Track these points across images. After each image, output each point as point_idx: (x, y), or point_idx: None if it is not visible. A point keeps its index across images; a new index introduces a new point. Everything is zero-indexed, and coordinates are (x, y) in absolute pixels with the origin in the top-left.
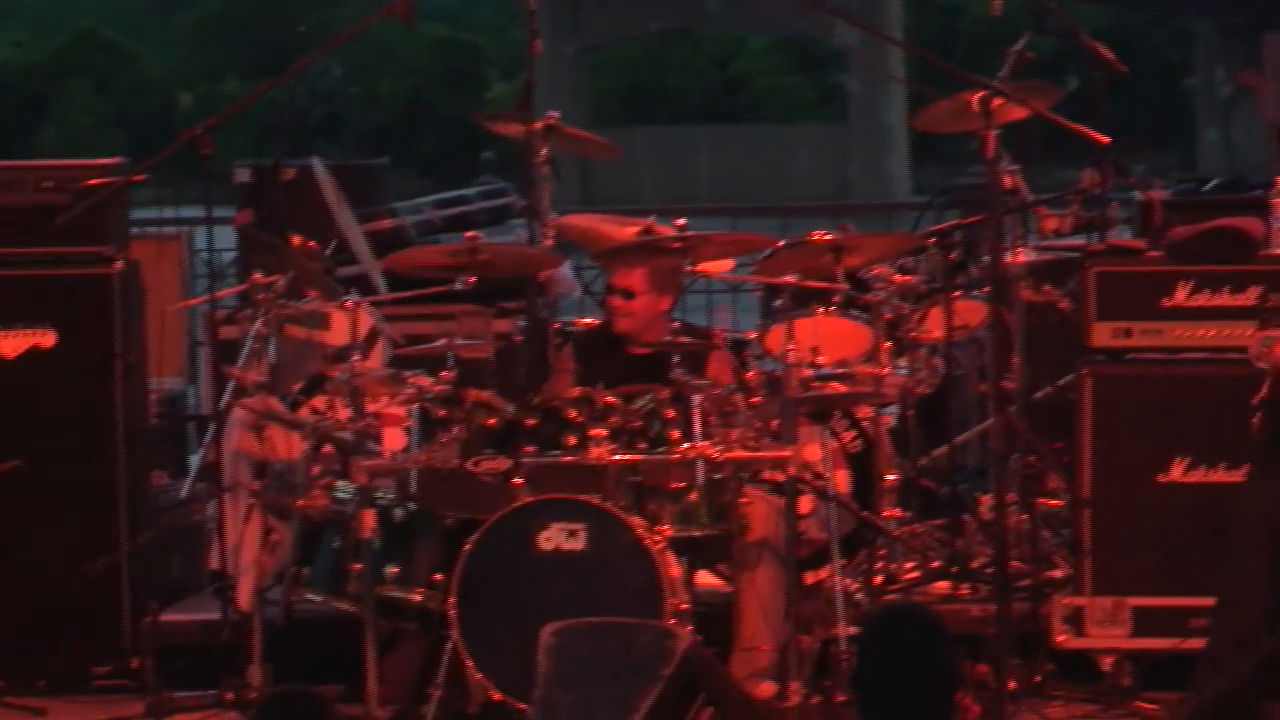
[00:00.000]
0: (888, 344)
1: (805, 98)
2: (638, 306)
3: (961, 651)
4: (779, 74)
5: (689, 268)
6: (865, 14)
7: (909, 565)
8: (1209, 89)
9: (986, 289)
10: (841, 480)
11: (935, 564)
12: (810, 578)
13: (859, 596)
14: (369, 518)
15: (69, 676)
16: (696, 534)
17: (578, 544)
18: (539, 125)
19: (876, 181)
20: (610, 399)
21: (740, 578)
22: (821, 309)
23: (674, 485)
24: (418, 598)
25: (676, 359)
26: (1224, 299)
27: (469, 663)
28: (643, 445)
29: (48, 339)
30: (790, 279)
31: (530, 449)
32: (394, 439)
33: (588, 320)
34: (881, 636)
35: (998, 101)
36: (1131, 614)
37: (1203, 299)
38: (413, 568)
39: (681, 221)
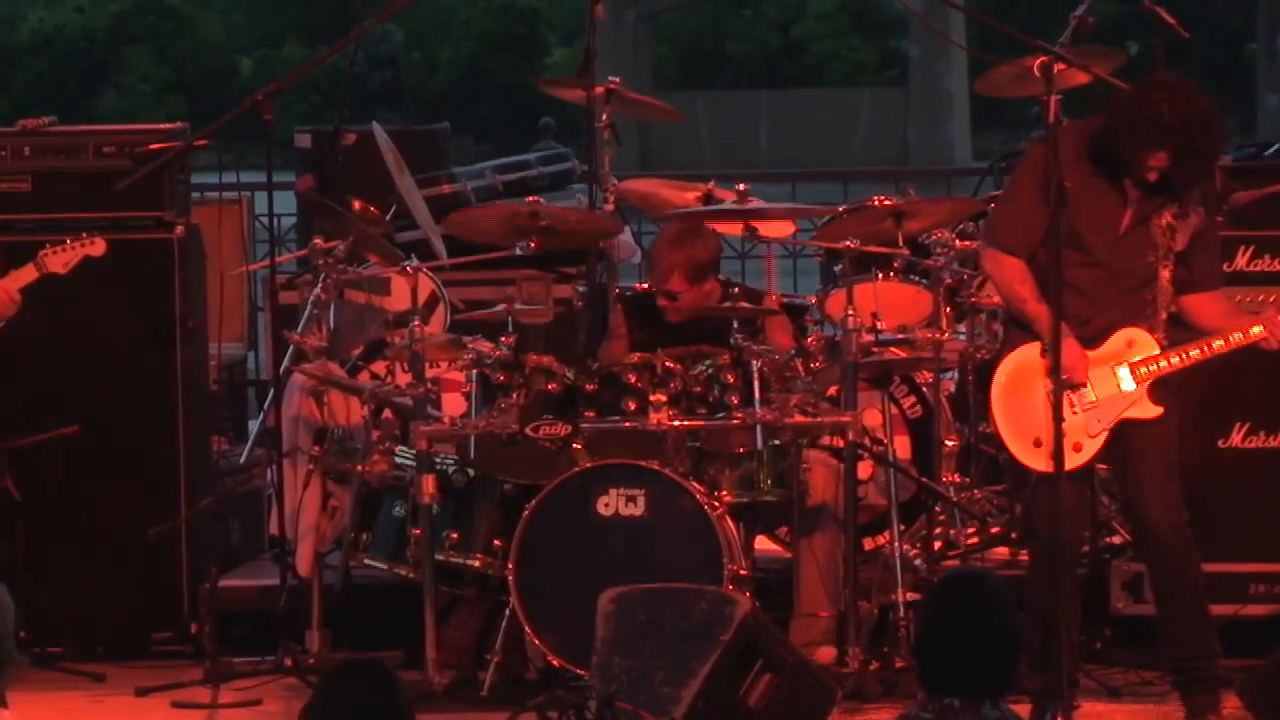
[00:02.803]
0: (948, 309)
1: (866, 62)
2: (683, 304)
3: (1021, 617)
4: (839, 38)
5: (748, 232)
6: None
7: (969, 531)
8: (1270, 54)
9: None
10: (901, 446)
11: (995, 529)
12: (869, 543)
13: (918, 562)
14: (429, 483)
15: (128, 642)
16: (756, 499)
17: (637, 509)
18: (600, 90)
19: (937, 147)
20: (670, 364)
21: (800, 543)
22: (882, 274)
23: (734, 450)
24: (477, 563)
25: (736, 323)
26: None
27: (528, 628)
28: (703, 410)
29: (98, 247)
30: (851, 244)
31: (590, 414)
32: (454, 404)
33: (645, 285)
34: (946, 602)
35: (1059, 66)
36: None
37: (1263, 264)
38: (472, 533)
39: (742, 186)
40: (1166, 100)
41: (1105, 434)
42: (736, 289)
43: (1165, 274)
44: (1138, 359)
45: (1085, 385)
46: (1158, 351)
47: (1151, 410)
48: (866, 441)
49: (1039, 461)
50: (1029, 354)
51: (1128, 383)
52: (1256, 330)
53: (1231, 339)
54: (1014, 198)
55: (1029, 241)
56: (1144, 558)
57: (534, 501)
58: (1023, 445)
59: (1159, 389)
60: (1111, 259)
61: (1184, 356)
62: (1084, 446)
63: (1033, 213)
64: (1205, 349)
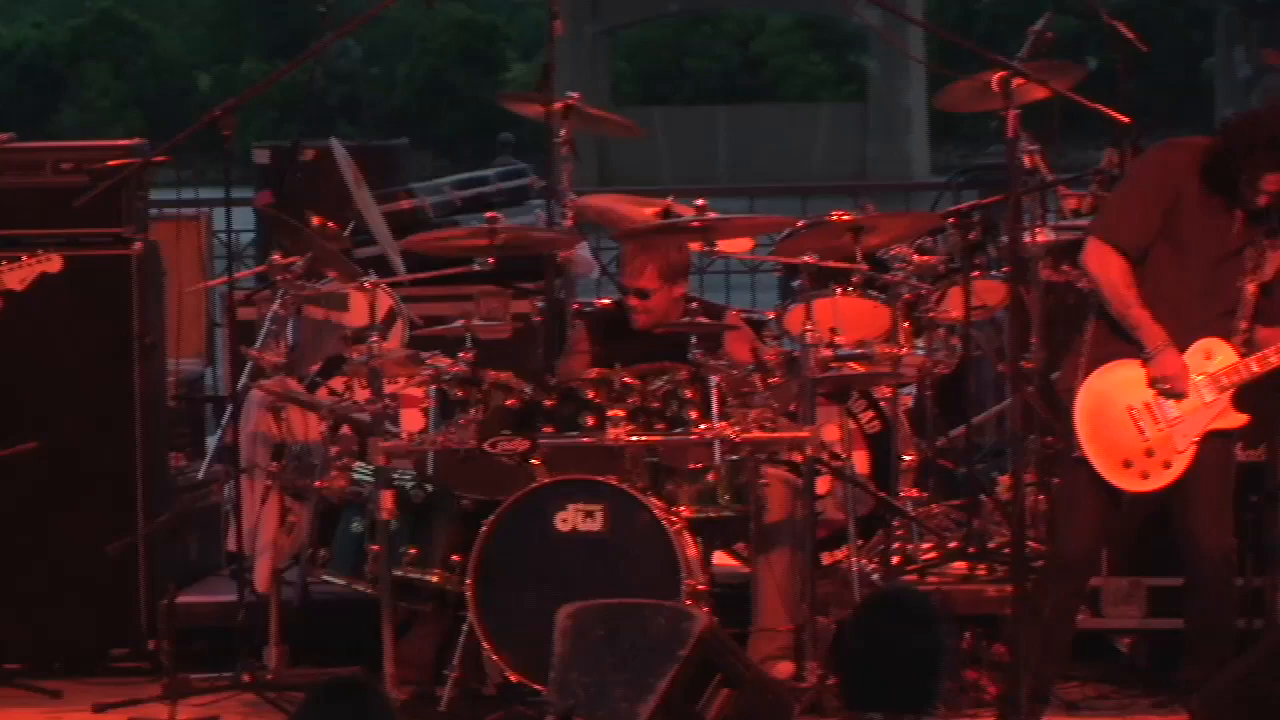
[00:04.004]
0: (907, 324)
1: (825, 77)
2: (654, 304)
3: (978, 631)
4: (799, 54)
5: (707, 247)
6: None
7: (927, 546)
8: (1228, 70)
9: (1006, 269)
10: (860, 461)
11: (953, 544)
12: (828, 558)
13: (876, 577)
14: (387, 499)
15: (86, 658)
16: (714, 514)
17: (595, 525)
18: (559, 106)
19: (895, 161)
20: (629, 379)
21: (758, 558)
22: (841, 289)
23: (692, 465)
24: (435, 579)
25: (694, 339)
26: None
27: (486, 644)
28: (661, 425)
29: (55, 263)
30: (809, 259)
31: (549, 429)
32: (412, 420)
33: (605, 300)
34: (869, 618)
35: (1018, 81)
36: (1147, 593)
37: None
38: (430, 549)
39: (702, 201)
40: None
41: (1194, 448)
42: (695, 304)
43: (1250, 295)
44: (1216, 369)
45: (1185, 395)
46: (1237, 359)
47: (1237, 419)
48: (825, 457)
49: (1131, 483)
50: (1112, 373)
51: (1209, 393)
52: None
53: None
54: (1132, 195)
55: (1141, 244)
56: (1188, 574)
57: (492, 517)
58: (1112, 467)
59: (1242, 399)
60: (1210, 279)
61: (1264, 362)
62: (1173, 463)
63: (1150, 214)
64: (1260, 358)
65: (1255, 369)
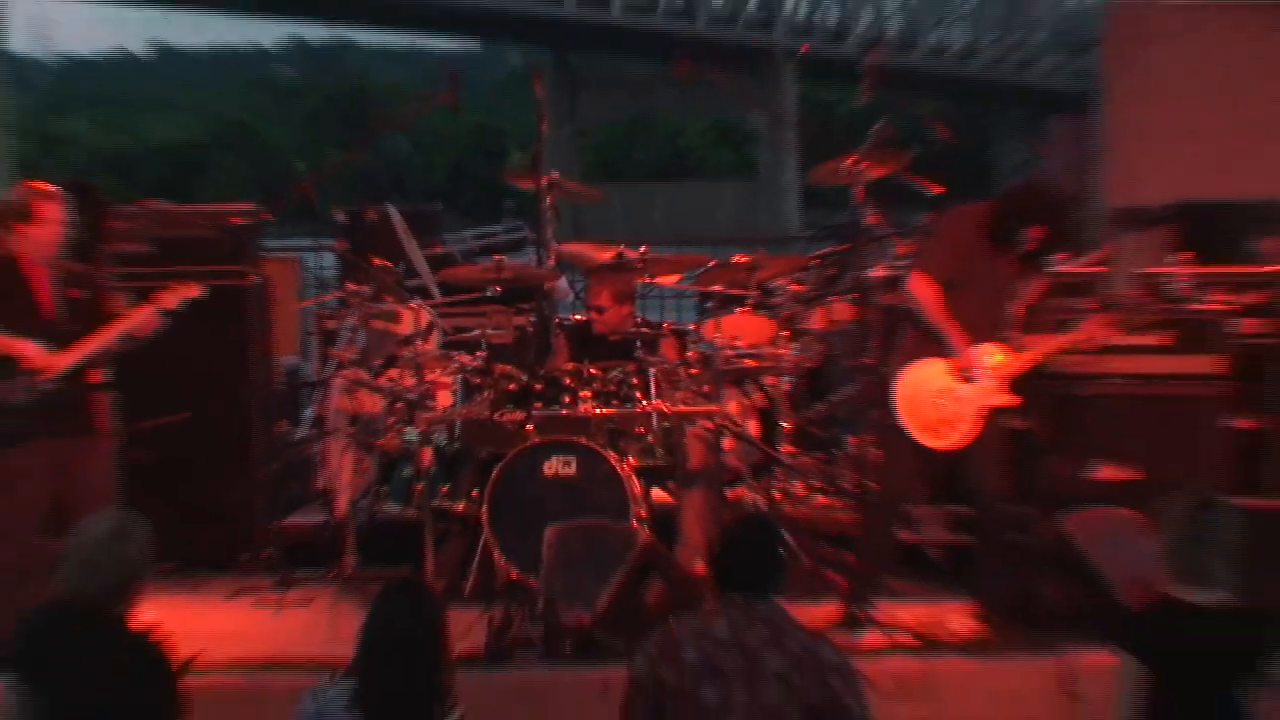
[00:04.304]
0: (785, 332)
1: (728, 163)
2: (609, 318)
3: (835, 545)
4: (710, 147)
5: (648, 279)
6: (770, 103)
7: (799, 486)
8: (1008, 155)
9: (854, 295)
10: (753, 427)
11: (817, 485)
12: (730, 494)
13: (763, 507)
14: (427, 453)
15: (220, 562)
16: (652, 464)
17: (571, 470)
18: (545, 181)
19: (776, 221)
20: (594, 370)
21: (682, 494)
22: (740, 309)
23: (638, 430)
24: (461, 508)
25: (639, 343)
26: None
27: (496, 552)
28: (616, 403)
29: (195, 290)
30: (718, 288)
31: (538, 405)
32: (445, 398)
33: (578, 316)
34: (733, 531)
35: (864, 164)
36: (949, 518)
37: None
38: (457, 487)
39: (644, 248)
40: (1044, 191)
41: (974, 422)
42: (639, 319)
43: (1019, 314)
44: (994, 364)
45: (975, 382)
46: (1008, 358)
47: (1009, 399)
48: (729, 424)
49: (934, 442)
50: (922, 367)
51: (989, 381)
52: (1073, 337)
53: (1056, 344)
54: (940, 242)
55: (946, 277)
56: (975, 506)
57: (500, 465)
58: (921, 432)
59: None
60: (991, 301)
61: (1027, 360)
62: (963, 429)
63: (951, 256)
64: (1040, 355)
65: (1018, 365)
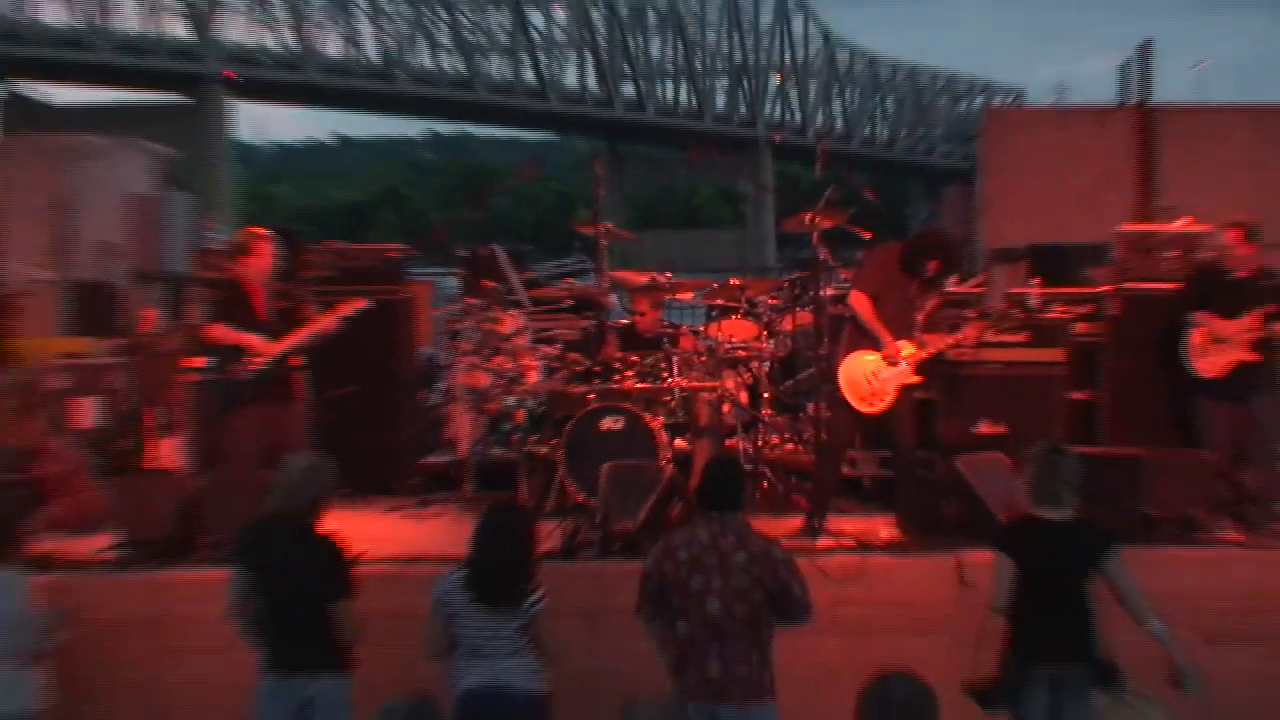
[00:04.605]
0: (765, 332)
1: (726, 216)
2: (645, 321)
3: (800, 478)
4: (714, 206)
5: (670, 295)
6: (754, 176)
7: (775, 438)
8: (916, 212)
9: (812, 306)
10: (743, 396)
11: (788, 438)
12: (730, 444)
13: (751, 453)
14: (521, 414)
15: (381, 488)
16: (674, 422)
17: (619, 426)
18: (601, 228)
19: (759, 256)
20: (634, 358)
21: (694, 443)
22: (734, 315)
23: (664, 399)
24: (544, 452)
25: (665, 339)
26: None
27: (568, 484)
28: (650, 380)
29: (365, 303)
30: (719, 301)
31: (597, 382)
32: (532, 377)
33: (623, 321)
34: (710, 465)
35: (819, 218)
36: (878, 460)
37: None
38: (542, 437)
39: (668, 275)
40: (940, 236)
41: (895, 393)
42: (665, 322)
43: (921, 320)
44: (907, 354)
45: (896, 366)
46: (915, 350)
47: (914, 379)
48: (727, 395)
49: (866, 409)
50: (857, 356)
51: (904, 366)
52: (959, 336)
53: (949, 341)
54: (870, 270)
55: (875, 294)
56: (893, 451)
57: (571, 422)
58: (856, 401)
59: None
60: (903, 312)
61: (926, 351)
62: (886, 399)
63: (878, 279)
64: (937, 348)
65: (923, 355)
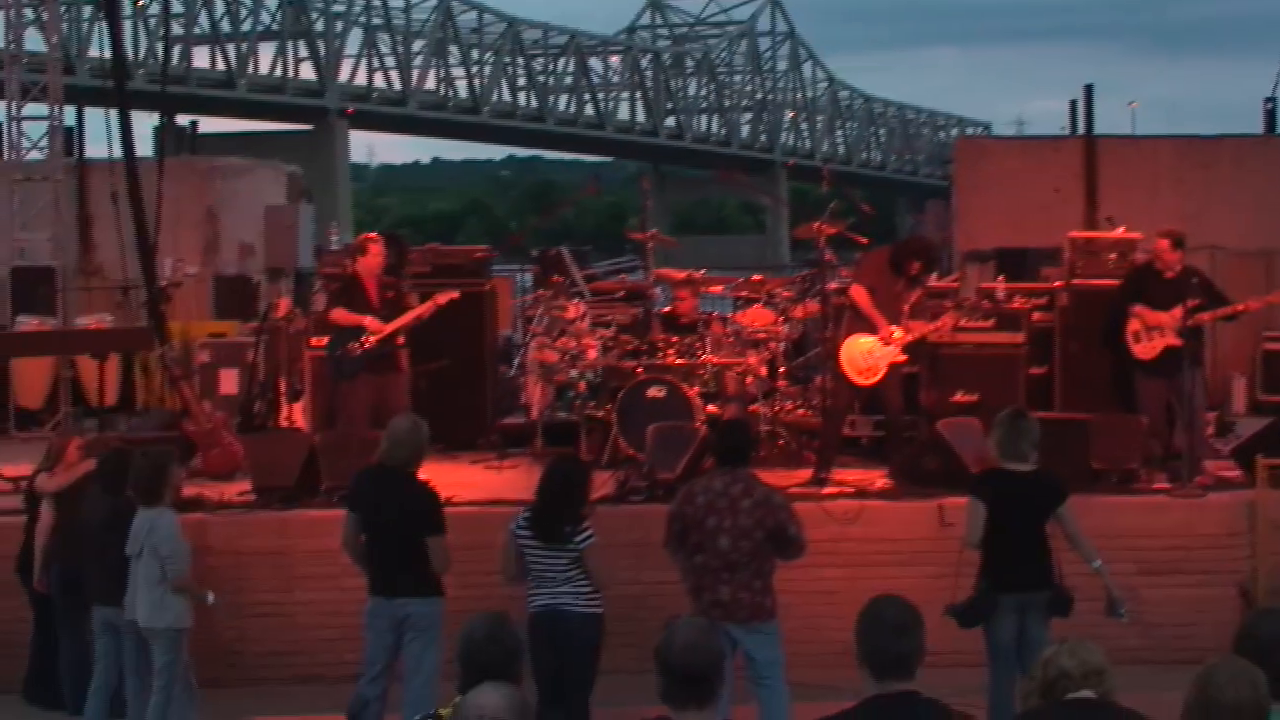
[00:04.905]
0: (781, 318)
1: (749, 224)
2: (683, 308)
3: (807, 436)
4: (739, 214)
5: (704, 288)
6: (772, 192)
7: (788, 406)
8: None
9: (819, 298)
10: (763, 370)
11: (799, 403)
12: (753, 409)
13: (769, 416)
14: (581, 384)
15: (468, 444)
16: (706, 391)
17: (662, 395)
18: (648, 235)
19: (776, 257)
20: (675, 339)
21: (724, 409)
22: (755, 305)
23: (699, 372)
24: (601, 415)
25: (701, 324)
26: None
27: (620, 440)
28: (687, 357)
29: (457, 294)
30: (743, 293)
31: (644, 358)
32: (592, 354)
33: (666, 309)
34: (722, 427)
35: (824, 226)
36: (873, 422)
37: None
38: (599, 402)
39: (703, 272)
40: (922, 241)
41: (885, 368)
42: (700, 311)
43: (907, 309)
44: (897, 337)
45: (888, 347)
46: (904, 334)
47: (902, 358)
48: (749, 369)
49: (862, 382)
50: (855, 337)
51: (894, 347)
52: (939, 324)
53: (930, 327)
54: (865, 270)
55: (872, 286)
56: (885, 415)
57: (623, 391)
58: (854, 375)
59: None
60: (891, 303)
61: (910, 336)
62: (878, 373)
63: (873, 275)
64: (914, 334)
65: (909, 338)
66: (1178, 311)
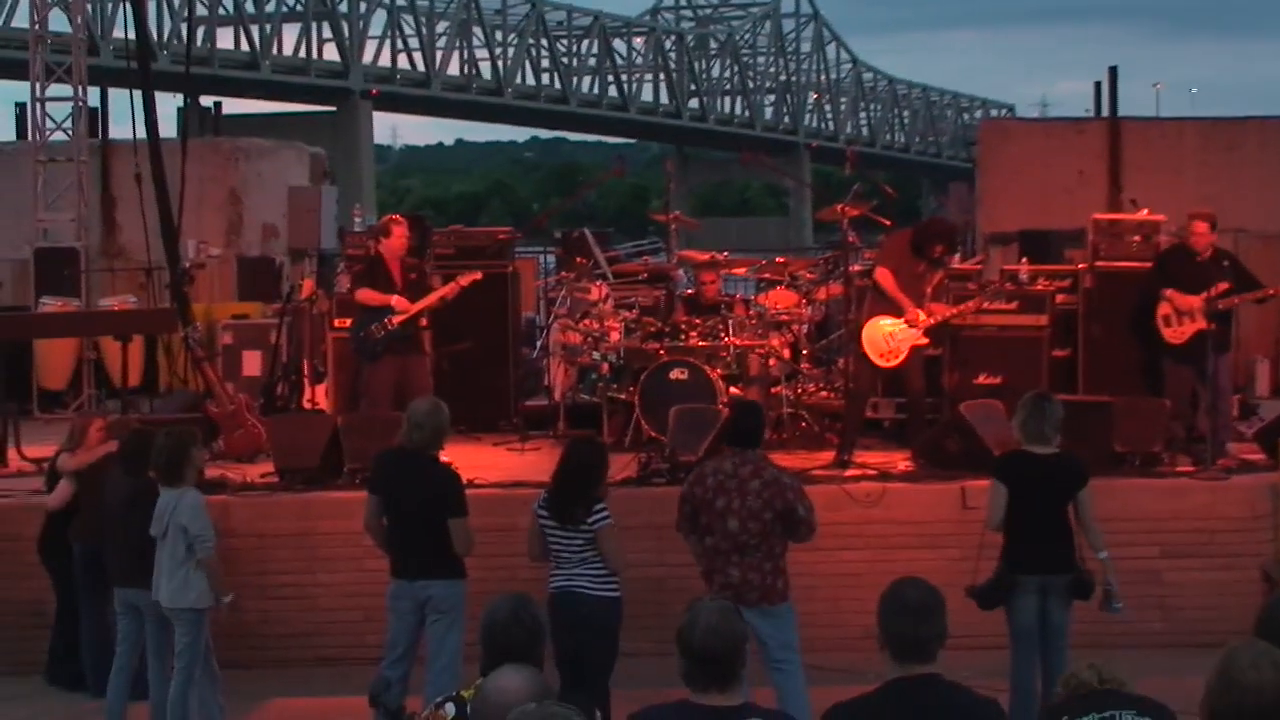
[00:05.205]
0: (804, 300)
1: (772, 206)
2: (706, 290)
3: (831, 420)
4: (763, 196)
5: (727, 270)
6: (795, 174)
7: (812, 386)
8: (927, 203)
9: (842, 280)
10: (785, 353)
11: (822, 385)
12: (774, 390)
13: (791, 398)
14: (605, 366)
15: (490, 426)
16: (728, 373)
17: (684, 376)
18: (670, 217)
19: (799, 239)
20: (698, 320)
21: (745, 390)
22: (779, 287)
23: (721, 354)
24: (624, 397)
25: (722, 305)
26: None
27: (644, 422)
28: (710, 339)
29: (479, 276)
30: (767, 275)
31: (666, 340)
32: (615, 336)
33: (689, 291)
34: (735, 410)
35: (847, 208)
36: (895, 405)
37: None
38: (621, 384)
39: (726, 254)
40: (945, 223)
41: (909, 350)
42: (724, 293)
43: (929, 291)
44: (921, 321)
45: (912, 328)
46: (926, 317)
47: (924, 340)
48: (772, 351)
49: (884, 364)
50: (877, 319)
51: (917, 329)
52: (962, 306)
53: (953, 310)
54: (890, 250)
55: (895, 269)
56: (906, 398)
57: (646, 372)
58: (875, 357)
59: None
60: (918, 285)
61: (933, 319)
62: (900, 355)
63: (895, 258)
64: (937, 317)
65: (932, 321)
66: (1209, 296)
